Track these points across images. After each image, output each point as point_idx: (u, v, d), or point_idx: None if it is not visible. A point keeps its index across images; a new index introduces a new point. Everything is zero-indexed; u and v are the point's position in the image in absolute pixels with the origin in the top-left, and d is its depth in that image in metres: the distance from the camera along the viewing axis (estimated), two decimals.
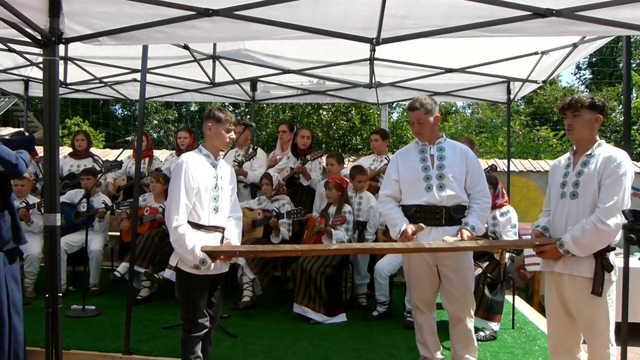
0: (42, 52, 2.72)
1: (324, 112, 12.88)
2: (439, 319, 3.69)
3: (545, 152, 10.66)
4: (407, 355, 3.74)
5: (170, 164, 5.64)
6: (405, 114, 14.62)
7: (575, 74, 20.92)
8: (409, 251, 3.15)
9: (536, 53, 4.73)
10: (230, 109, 17.11)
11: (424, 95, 3.32)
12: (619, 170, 2.55)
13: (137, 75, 5.87)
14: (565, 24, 2.77)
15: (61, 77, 5.44)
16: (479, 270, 4.15)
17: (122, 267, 4.86)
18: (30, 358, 3.28)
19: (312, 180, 5.45)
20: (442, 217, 3.10)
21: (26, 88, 6.76)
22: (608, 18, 2.72)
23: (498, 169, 6.08)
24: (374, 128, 10.51)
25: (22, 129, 7.75)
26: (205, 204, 2.87)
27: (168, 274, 4.58)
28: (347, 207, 4.69)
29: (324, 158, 5.52)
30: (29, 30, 2.66)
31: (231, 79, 5.95)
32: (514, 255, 4.45)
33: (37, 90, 6.81)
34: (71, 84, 6.01)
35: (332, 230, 4.55)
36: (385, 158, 5.43)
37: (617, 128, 15.10)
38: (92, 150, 6.47)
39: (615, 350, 2.64)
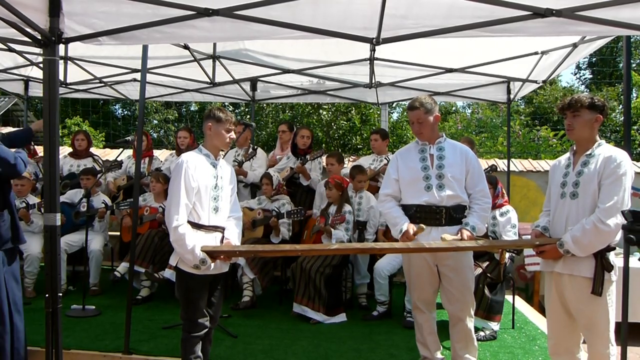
0: (42, 52, 2.72)
1: (324, 112, 12.86)
2: (439, 318, 3.69)
3: (545, 152, 10.66)
4: (407, 355, 3.74)
5: (170, 164, 5.64)
6: (405, 113, 14.61)
7: (575, 74, 20.96)
8: (409, 251, 3.15)
9: (536, 53, 4.73)
10: (230, 109, 17.09)
11: (424, 95, 3.32)
12: (619, 170, 2.55)
13: (137, 75, 5.87)
14: (565, 24, 2.77)
15: (61, 77, 5.43)
16: (479, 270, 4.15)
17: (122, 267, 4.87)
18: (30, 358, 3.27)
19: (312, 180, 5.45)
20: (442, 217, 3.10)
21: (26, 88, 6.75)
22: (608, 18, 2.72)
23: (498, 169, 6.08)
24: (374, 128, 10.50)
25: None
26: (205, 204, 2.87)
27: (168, 273, 4.58)
28: (347, 207, 4.69)
29: (323, 158, 5.52)
30: (29, 30, 2.65)
31: (231, 79, 5.95)
32: (514, 255, 4.45)
33: (37, 90, 6.80)
34: (71, 83, 6.01)
35: (332, 229, 4.56)
36: (385, 158, 5.43)
37: (617, 128, 15.09)
38: (92, 150, 6.47)
39: (615, 350, 2.65)
